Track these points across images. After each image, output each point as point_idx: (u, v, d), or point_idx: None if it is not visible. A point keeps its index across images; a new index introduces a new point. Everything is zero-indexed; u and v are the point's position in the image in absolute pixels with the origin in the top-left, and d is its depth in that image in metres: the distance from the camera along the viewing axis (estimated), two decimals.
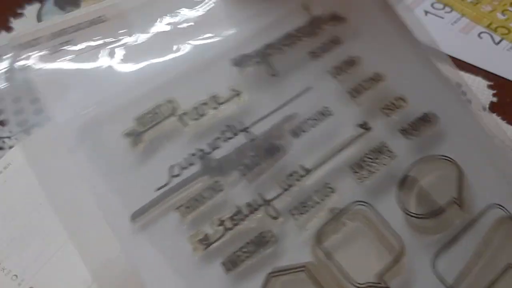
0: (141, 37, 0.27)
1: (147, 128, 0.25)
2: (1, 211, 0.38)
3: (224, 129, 0.26)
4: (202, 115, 0.26)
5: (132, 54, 0.26)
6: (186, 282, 0.24)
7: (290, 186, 0.26)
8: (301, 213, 0.25)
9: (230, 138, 0.26)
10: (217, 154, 0.25)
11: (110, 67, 0.26)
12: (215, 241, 0.24)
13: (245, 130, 0.26)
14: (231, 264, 0.24)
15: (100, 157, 0.25)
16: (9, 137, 0.47)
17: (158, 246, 0.24)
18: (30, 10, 0.58)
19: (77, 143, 0.25)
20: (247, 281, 0.24)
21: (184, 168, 0.25)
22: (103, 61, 0.26)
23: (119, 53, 0.26)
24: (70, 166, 0.25)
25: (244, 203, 0.25)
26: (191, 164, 0.25)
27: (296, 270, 0.24)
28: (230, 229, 0.25)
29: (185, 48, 0.27)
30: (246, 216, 0.25)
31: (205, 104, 0.26)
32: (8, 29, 0.57)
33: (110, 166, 0.25)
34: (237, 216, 0.25)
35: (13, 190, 0.39)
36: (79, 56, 0.26)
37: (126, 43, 0.27)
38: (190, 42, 0.27)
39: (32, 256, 0.36)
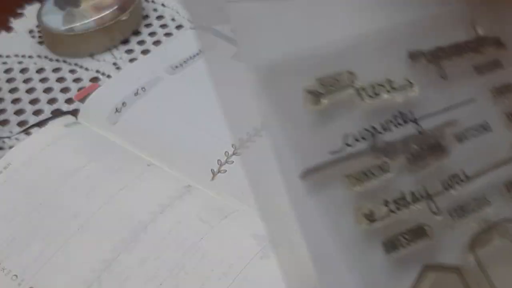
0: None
1: (327, 91, 0.26)
2: (1, 211, 0.38)
3: (396, 114, 0.27)
4: (377, 95, 0.27)
5: (326, 11, 0.27)
6: (345, 250, 0.24)
7: (450, 187, 0.26)
8: (458, 217, 0.26)
9: (400, 125, 0.27)
10: (387, 136, 0.26)
11: (304, 20, 0.27)
12: (378, 220, 0.25)
13: (415, 121, 0.27)
14: (391, 246, 0.25)
15: (279, 106, 0.25)
16: (9, 137, 0.47)
17: (322, 207, 0.25)
18: (30, 10, 0.58)
19: (261, 86, 0.25)
20: (401, 268, 0.25)
21: (356, 140, 0.26)
22: (299, 13, 0.27)
23: (315, 9, 0.27)
24: (254, 107, 0.25)
25: (408, 190, 0.26)
26: (363, 138, 0.26)
27: (450, 269, 0.25)
28: (393, 212, 0.25)
29: (371, 23, 0.28)
30: (409, 204, 0.25)
31: (381, 85, 0.27)
32: (8, 29, 0.57)
33: (287, 118, 0.25)
34: (401, 202, 0.25)
35: (13, 190, 0.39)
36: (279, 1, 0.26)
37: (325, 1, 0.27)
38: (376, 18, 0.28)
39: (32, 256, 0.36)
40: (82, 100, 0.44)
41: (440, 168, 0.27)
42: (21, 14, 0.58)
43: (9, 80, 0.52)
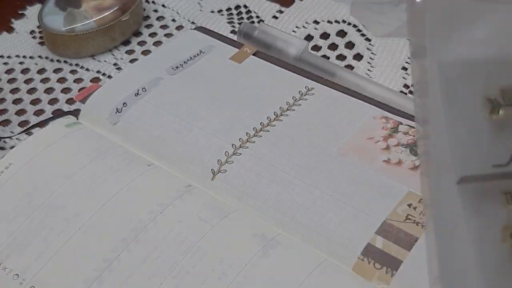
0: None
1: (507, 104, 0.25)
2: (2, 211, 0.38)
3: None
4: None
5: None
6: (483, 263, 0.24)
7: None
8: None
9: None
10: None
11: (499, 27, 0.25)
12: None
13: None
14: None
15: (454, 107, 0.25)
16: (10, 137, 0.47)
17: (471, 217, 0.24)
18: (31, 11, 0.58)
19: (441, 82, 0.25)
20: None
21: None
22: (497, 18, 0.26)
23: None
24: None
25: None
26: None
27: None
28: None
29: None
30: None
31: None
32: (10, 29, 0.57)
33: (459, 120, 0.25)
34: None
35: (14, 190, 0.39)
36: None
37: None
38: None
39: (33, 256, 0.36)
40: (83, 100, 0.44)
41: None
42: (22, 15, 0.58)
43: (10, 81, 0.52)
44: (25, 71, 0.53)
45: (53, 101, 0.50)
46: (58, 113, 0.48)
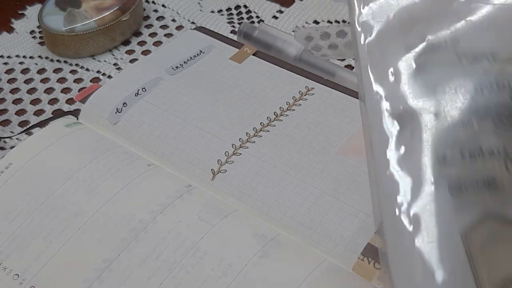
0: None
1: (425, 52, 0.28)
2: (2, 210, 0.38)
3: (492, 80, 0.28)
4: (477, 61, 0.28)
5: None
6: (414, 182, 0.26)
7: None
8: None
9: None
10: (479, 98, 0.27)
11: None
12: (449, 164, 0.26)
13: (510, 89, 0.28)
14: (456, 189, 0.26)
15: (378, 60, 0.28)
16: (10, 137, 0.47)
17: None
18: (31, 11, 0.58)
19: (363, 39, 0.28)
20: (461, 211, 0.26)
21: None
22: None
23: None
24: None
25: (488, 145, 0.27)
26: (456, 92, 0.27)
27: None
28: (466, 158, 0.26)
29: None
30: (483, 156, 0.26)
31: (484, 54, 0.28)
32: (10, 30, 0.57)
33: (382, 68, 0.28)
34: (476, 153, 0.26)
35: (14, 190, 0.39)
36: None
37: None
38: None
39: (33, 256, 0.36)
40: (83, 100, 0.44)
41: None
42: (22, 15, 0.58)
43: (10, 81, 0.52)
44: (25, 71, 0.53)
45: (53, 101, 0.50)
46: (58, 113, 0.48)
